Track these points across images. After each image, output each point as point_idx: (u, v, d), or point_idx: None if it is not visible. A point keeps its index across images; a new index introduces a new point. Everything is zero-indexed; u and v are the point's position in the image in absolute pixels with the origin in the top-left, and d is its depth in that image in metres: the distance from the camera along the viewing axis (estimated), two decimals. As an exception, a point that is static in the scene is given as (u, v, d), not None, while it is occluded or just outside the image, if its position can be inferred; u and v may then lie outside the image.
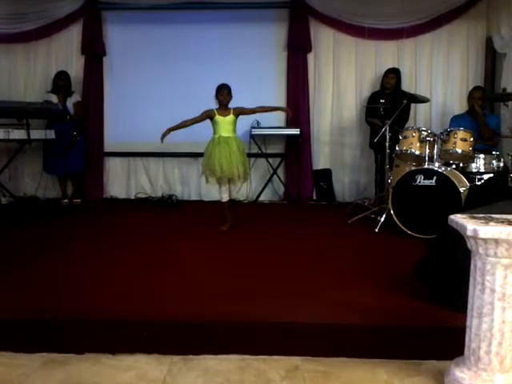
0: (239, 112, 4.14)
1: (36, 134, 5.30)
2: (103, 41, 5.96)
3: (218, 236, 4.03)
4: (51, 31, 5.95)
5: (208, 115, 4.12)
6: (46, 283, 2.85)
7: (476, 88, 4.95)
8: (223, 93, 4.08)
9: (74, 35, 5.99)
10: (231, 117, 4.10)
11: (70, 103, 5.64)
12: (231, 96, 4.13)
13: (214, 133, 4.15)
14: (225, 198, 4.24)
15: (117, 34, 5.98)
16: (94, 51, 5.93)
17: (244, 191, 5.77)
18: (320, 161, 6.02)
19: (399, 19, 5.66)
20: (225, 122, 4.09)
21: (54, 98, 5.57)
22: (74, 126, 5.60)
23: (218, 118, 4.09)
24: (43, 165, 5.86)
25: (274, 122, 5.85)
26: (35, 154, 5.92)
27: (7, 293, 2.67)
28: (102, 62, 6.01)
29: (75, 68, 5.96)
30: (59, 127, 5.50)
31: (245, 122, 5.57)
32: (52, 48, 6.02)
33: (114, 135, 6.03)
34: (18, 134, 5.14)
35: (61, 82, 5.62)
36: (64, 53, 6.02)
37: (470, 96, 4.86)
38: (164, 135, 4.05)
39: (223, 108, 4.11)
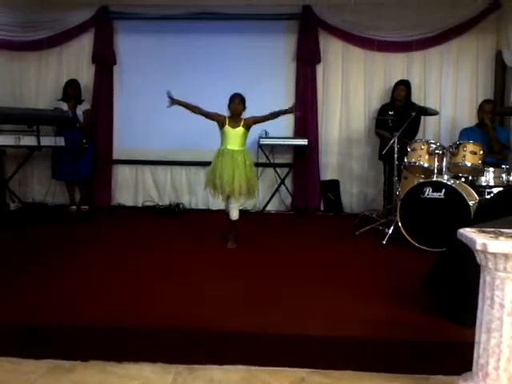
0: (251, 122, 3.92)
1: (46, 141, 5.34)
2: (114, 50, 6.02)
3: (224, 245, 4.02)
4: (63, 40, 6.01)
5: (218, 119, 3.90)
6: (53, 289, 2.86)
7: (486, 101, 4.93)
8: (234, 101, 3.87)
9: (85, 44, 6.05)
10: (241, 129, 3.87)
11: (79, 111, 5.68)
12: (244, 106, 3.92)
13: (221, 144, 3.94)
14: (234, 216, 3.96)
15: (127, 44, 6.03)
16: (104, 60, 5.99)
17: (251, 201, 5.78)
18: (328, 171, 6.01)
19: (409, 32, 5.66)
20: (234, 135, 3.87)
21: (64, 106, 5.62)
22: (83, 134, 5.64)
23: (227, 128, 3.87)
24: (52, 171, 5.90)
25: (282, 132, 5.87)
26: (45, 160, 5.97)
27: (14, 298, 2.68)
28: (112, 70, 6.06)
29: (86, 76, 6.02)
30: (69, 134, 5.54)
31: (253, 131, 5.62)
32: (63, 56, 6.08)
33: (122, 143, 6.07)
34: (29, 141, 5.18)
35: (71, 90, 5.67)
36: (75, 61, 6.08)
37: (481, 109, 4.85)
38: (172, 99, 3.88)
39: (235, 119, 3.90)
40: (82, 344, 2.29)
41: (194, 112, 3.94)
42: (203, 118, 3.97)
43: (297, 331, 2.31)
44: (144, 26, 5.99)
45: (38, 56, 6.07)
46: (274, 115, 3.93)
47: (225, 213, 4.19)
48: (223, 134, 3.92)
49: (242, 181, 3.84)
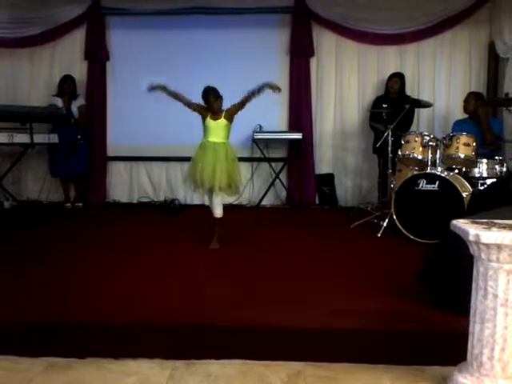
0: (231, 113, 3.72)
1: (39, 138, 5.32)
2: (106, 46, 5.99)
3: (220, 241, 4.01)
4: (55, 36, 5.98)
5: (201, 111, 3.74)
6: (49, 287, 2.86)
7: (470, 93, 4.93)
8: (210, 100, 3.68)
9: (77, 40, 6.02)
10: (222, 121, 3.70)
11: (74, 107, 5.65)
12: (221, 98, 3.72)
13: (203, 136, 3.78)
14: (218, 213, 3.79)
15: (120, 39, 6.00)
16: (97, 56, 5.96)
17: (246, 195, 5.79)
18: (322, 165, 6.02)
19: (402, 24, 5.66)
20: (215, 126, 3.71)
21: (59, 102, 5.59)
22: (78, 130, 5.61)
23: (209, 121, 3.71)
24: (49, 168, 5.87)
25: (277, 127, 5.86)
26: (39, 158, 5.94)
27: (10, 297, 2.67)
28: (105, 66, 6.03)
29: (79, 73, 5.98)
30: (64, 131, 5.52)
31: (247, 126, 5.62)
32: (56, 53, 6.04)
33: (116, 139, 6.04)
34: (22, 138, 5.16)
35: (66, 85, 5.64)
36: (68, 57, 6.04)
37: (466, 101, 4.85)
38: (153, 87, 3.75)
39: (216, 112, 3.73)
40: (79, 341, 2.29)
41: (177, 98, 3.78)
42: (188, 109, 3.84)
43: (293, 324, 2.32)
44: (136, 21, 5.95)
45: (30, 52, 6.04)
46: (256, 92, 3.68)
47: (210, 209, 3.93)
48: (205, 127, 3.76)
49: (223, 175, 3.65)
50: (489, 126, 4.64)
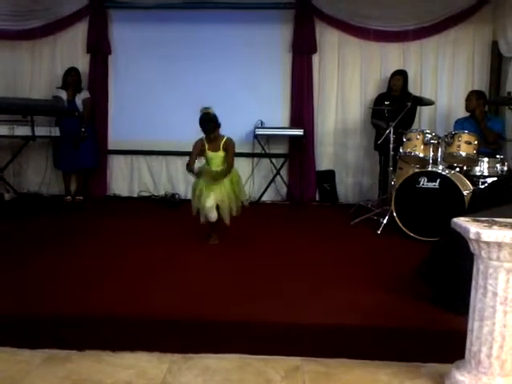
0: (229, 149, 3.65)
1: (41, 131, 5.30)
2: (109, 39, 5.97)
3: (219, 236, 4.01)
4: (57, 29, 5.95)
5: (198, 149, 3.67)
6: (47, 280, 2.86)
7: (471, 92, 4.93)
8: (206, 130, 3.60)
9: (79, 33, 5.99)
10: (221, 152, 3.64)
11: (78, 100, 5.63)
12: (217, 125, 3.62)
13: (205, 162, 3.75)
14: (213, 218, 3.72)
15: (122, 33, 5.98)
16: (99, 49, 5.94)
17: (247, 191, 5.78)
18: (323, 162, 6.01)
19: (405, 22, 5.64)
20: (216, 157, 3.66)
21: (64, 94, 5.57)
22: (81, 123, 5.59)
23: (208, 153, 3.66)
24: (53, 161, 5.85)
25: (278, 123, 5.85)
26: (40, 150, 5.93)
27: (9, 288, 2.68)
28: (107, 60, 6.02)
29: (80, 66, 5.93)
30: (68, 123, 5.50)
31: (249, 121, 5.63)
32: (57, 46, 6.02)
33: (118, 133, 6.03)
34: (23, 131, 5.15)
35: (70, 78, 5.62)
36: (69, 51, 6.02)
37: (468, 99, 4.84)
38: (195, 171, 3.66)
39: (213, 140, 3.64)
40: (78, 334, 2.29)
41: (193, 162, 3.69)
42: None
43: (292, 320, 2.32)
44: (139, 14, 5.93)
45: (31, 45, 6.01)
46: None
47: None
48: (205, 158, 3.73)
49: (232, 200, 3.68)
50: (486, 126, 4.63)
